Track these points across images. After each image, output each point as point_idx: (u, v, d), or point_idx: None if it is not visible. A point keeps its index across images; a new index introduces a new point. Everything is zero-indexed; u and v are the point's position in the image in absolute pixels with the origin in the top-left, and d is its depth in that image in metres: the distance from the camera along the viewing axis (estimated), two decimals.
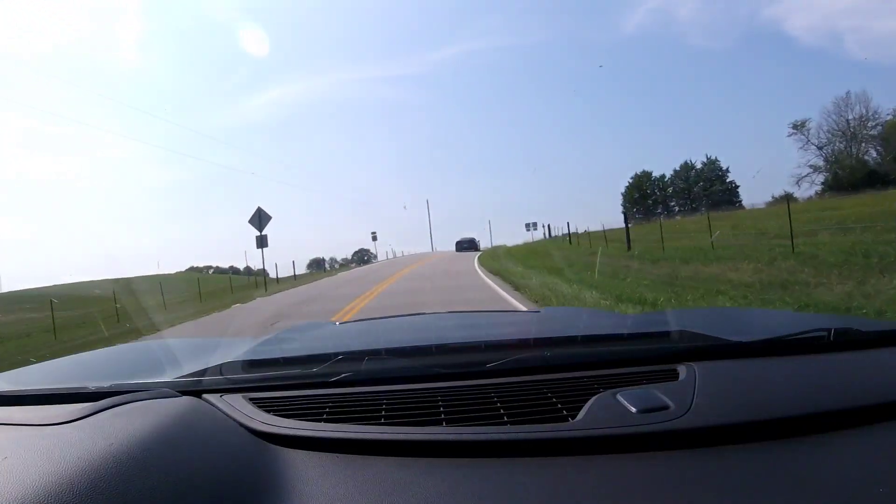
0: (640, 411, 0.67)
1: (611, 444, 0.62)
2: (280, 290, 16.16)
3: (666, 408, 0.68)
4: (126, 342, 5.68)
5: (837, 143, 44.36)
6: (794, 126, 46.42)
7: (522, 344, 1.00)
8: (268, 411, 0.76)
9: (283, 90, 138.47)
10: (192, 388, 0.85)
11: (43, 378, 1.15)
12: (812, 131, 44.56)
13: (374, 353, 0.95)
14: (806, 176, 45.34)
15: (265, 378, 0.90)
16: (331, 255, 69.99)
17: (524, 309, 6.26)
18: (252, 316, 9.88)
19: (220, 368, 0.91)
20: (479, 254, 26.26)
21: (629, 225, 18.43)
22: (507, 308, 7.00)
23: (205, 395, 0.82)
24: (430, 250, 51.02)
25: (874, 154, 42.59)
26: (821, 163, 44.80)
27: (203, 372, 0.90)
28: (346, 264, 53.55)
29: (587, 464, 0.59)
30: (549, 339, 1.10)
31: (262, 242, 18.18)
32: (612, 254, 16.25)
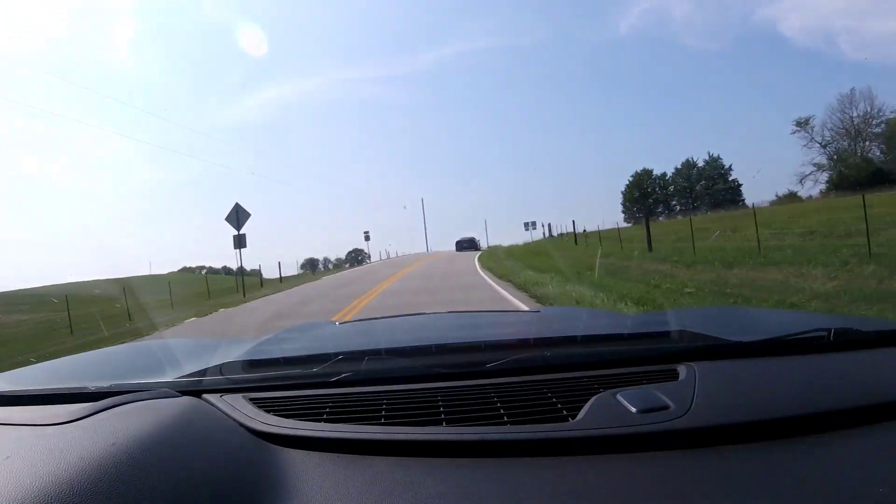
0: (640, 411, 0.67)
1: (611, 444, 0.62)
2: (258, 297, 14.42)
3: (666, 408, 0.67)
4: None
5: (841, 141, 43.61)
6: (798, 123, 45.68)
7: (522, 344, 1.00)
8: (268, 411, 0.75)
9: (277, 90, 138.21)
10: (192, 388, 0.85)
11: (43, 378, 1.15)
12: (816, 129, 43.76)
13: (374, 353, 0.95)
14: (809, 174, 44.37)
15: (265, 378, 0.90)
16: (325, 255, 69.67)
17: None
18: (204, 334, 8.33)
19: (220, 368, 0.91)
20: (479, 255, 24.77)
21: (649, 225, 17.01)
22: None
23: (205, 395, 0.82)
24: (426, 251, 49.45)
25: (878, 153, 41.61)
26: (824, 161, 43.93)
27: (203, 372, 0.90)
28: (339, 265, 52.07)
29: (587, 464, 0.59)
30: (549, 339, 1.10)
31: (239, 242, 16.40)
32: (631, 255, 14.70)
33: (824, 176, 43.36)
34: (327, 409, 0.75)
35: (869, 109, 41.28)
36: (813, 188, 43.24)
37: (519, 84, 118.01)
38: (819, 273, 7.51)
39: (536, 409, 0.71)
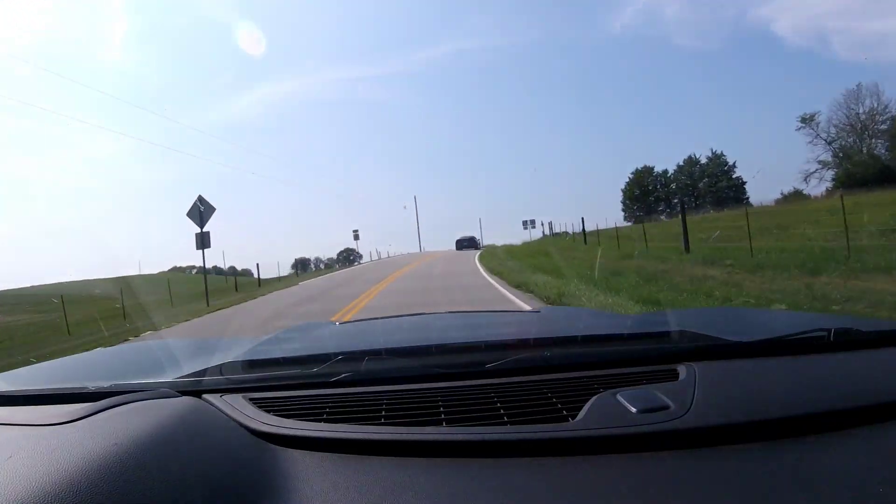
0: (640, 411, 0.67)
1: (611, 444, 0.62)
2: (226, 306, 12.09)
3: (666, 408, 0.67)
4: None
5: (847, 138, 42.31)
6: (803, 120, 43.66)
7: (522, 344, 1.00)
8: (268, 411, 0.75)
9: (270, 89, 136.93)
10: (192, 388, 0.85)
11: (43, 378, 1.14)
12: (822, 125, 42.31)
13: (374, 353, 0.95)
14: (814, 172, 42.49)
15: (265, 378, 0.89)
16: (318, 254, 68.21)
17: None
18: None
19: (220, 368, 0.90)
20: (480, 255, 22.27)
21: (685, 221, 14.16)
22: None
23: (205, 395, 0.81)
24: (419, 250, 47.13)
25: (883, 150, 40.37)
26: (829, 158, 42.57)
27: (203, 372, 0.89)
28: (330, 265, 49.91)
29: (587, 464, 0.59)
30: (549, 339, 1.11)
31: (202, 242, 13.86)
32: (663, 256, 12.54)
33: (829, 174, 42.08)
34: (327, 409, 0.75)
35: (875, 105, 39.58)
36: (818, 186, 41.99)
37: (514, 82, 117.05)
38: None
39: (536, 409, 0.71)
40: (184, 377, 0.89)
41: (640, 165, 58.47)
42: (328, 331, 1.68)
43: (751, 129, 76.52)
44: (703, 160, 54.00)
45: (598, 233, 26.08)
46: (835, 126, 41.23)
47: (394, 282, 13.24)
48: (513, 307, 7.29)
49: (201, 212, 13.77)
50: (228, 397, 0.80)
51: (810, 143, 42.52)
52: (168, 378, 0.90)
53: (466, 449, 0.63)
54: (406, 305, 8.12)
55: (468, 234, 38.18)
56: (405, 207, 75.87)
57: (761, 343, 0.92)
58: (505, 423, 0.68)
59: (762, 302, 5.88)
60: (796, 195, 43.39)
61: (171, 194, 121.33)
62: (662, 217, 53.07)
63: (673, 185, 56.26)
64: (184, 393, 0.82)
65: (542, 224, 40.86)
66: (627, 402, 0.69)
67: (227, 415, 0.74)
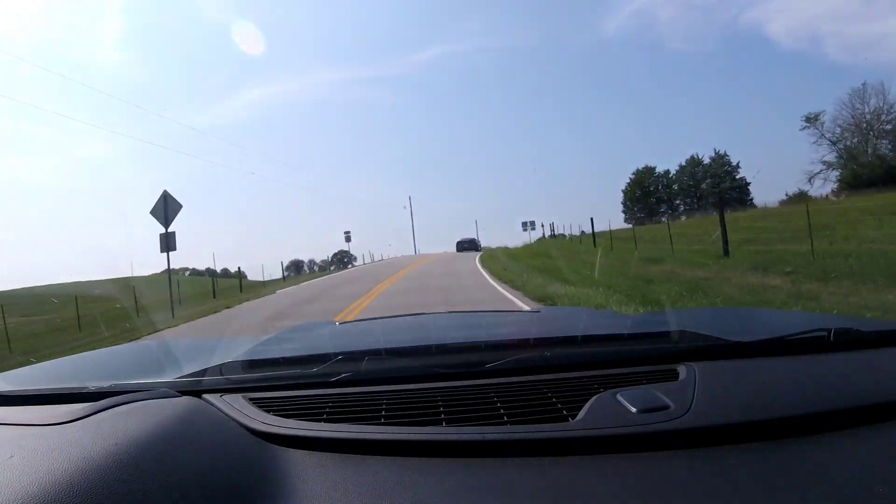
0: (640, 411, 0.67)
1: (611, 444, 0.62)
2: (192, 318, 10.38)
3: (666, 408, 0.67)
4: None
5: (851, 138, 41.25)
6: (808, 119, 42.84)
7: (522, 344, 0.99)
8: (268, 411, 0.75)
9: (264, 91, 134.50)
10: (192, 388, 0.84)
11: (43, 378, 1.14)
12: (826, 125, 41.21)
13: (374, 353, 0.95)
14: (819, 172, 41.71)
15: (265, 378, 0.89)
16: (314, 255, 67.57)
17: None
18: None
19: (220, 368, 0.90)
20: (482, 260, 19.85)
21: (724, 220, 11.67)
22: None
23: (205, 395, 0.81)
24: (414, 253, 45.42)
25: (888, 150, 39.37)
26: (833, 159, 41.57)
27: (203, 372, 0.89)
28: (324, 267, 48.55)
29: (587, 464, 0.59)
30: (549, 339, 1.09)
31: (167, 244, 12.16)
32: (695, 261, 10.90)
33: (833, 174, 41.10)
34: (327, 409, 0.75)
35: (881, 104, 38.71)
36: (822, 187, 41.06)
37: (511, 84, 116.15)
38: None
39: (536, 409, 0.71)
40: (184, 377, 0.89)
41: (640, 166, 57.28)
42: (328, 331, 1.66)
43: (752, 129, 75.98)
44: (706, 160, 52.82)
45: (606, 234, 24.54)
46: (839, 126, 40.41)
47: (382, 295, 11.53)
48: None
49: (166, 209, 12.05)
50: (228, 397, 0.80)
51: (814, 143, 41.62)
52: (168, 378, 0.90)
53: (466, 449, 0.63)
54: (407, 292, 6.71)
55: (468, 236, 38.60)
56: (405, 208, 74.46)
57: (761, 343, 0.92)
58: (505, 423, 0.68)
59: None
60: (801, 196, 42.37)
61: (157, 195, 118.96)
62: (664, 219, 51.82)
63: (675, 186, 54.97)
64: (184, 393, 0.82)
65: (543, 225, 39.61)
66: (627, 402, 0.69)
67: (227, 415, 0.73)
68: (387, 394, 0.79)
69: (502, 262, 16.62)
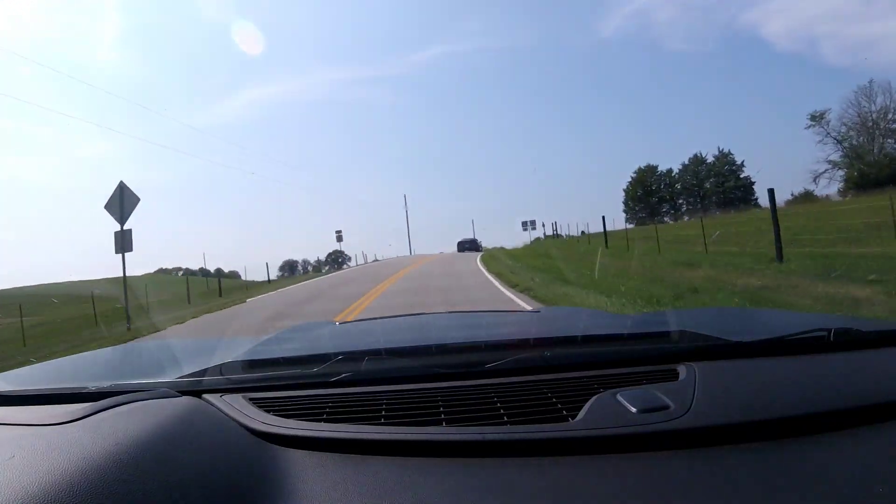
0: (640, 411, 0.67)
1: (611, 444, 0.62)
2: (145, 333, 8.71)
3: (666, 408, 0.67)
4: None
5: (858, 137, 39.75)
6: (813, 117, 41.31)
7: (522, 344, 0.99)
8: (268, 411, 0.75)
9: (262, 90, 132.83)
10: (192, 388, 0.84)
11: (43, 378, 1.14)
12: (832, 123, 39.54)
13: (374, 353, 0.95)
14: (824, 172, 40.07)
15: (265, 378, 0.89)
16: (310, 255, 66.59)
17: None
18: None
19: (220, 368, 0.90)
20: (486, 263, 17.08)
21: (777, 221, 9.06)
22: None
23: (205, 395, 0.81)
24: (409, 253, 43.67)
25: (894, 149, 38.47)
26: (839, 158, 40.33)
27: (203, 372, 0.89)
28: (318, 268, 47.14)
29: (587, 464, 0.59)
30: (549, 339, 1.09)
31: (123, 243, 10.41)
32: (741, 265, 9.32)
33: (839, 174, 39.84)
34: (327, 409, 0.74)
35: (887, 103, 37.19)
36: (828, 187, 39.96)
37: (511, 84, 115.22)
38: None
39: (536, 409, 0.71)
40: (184, 377, 0.89)
41: (642, 165, 55.86)
42: (328, 331, 1.66)
43: (752, 129, 75.15)
44: (710, 159, 51.49)
45: (611, 235, 22.89)
46: (845, 125, 39.32)
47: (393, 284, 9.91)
48: None
49: (122, 203, 10.35)
50: (228, 397, 0.80)
51: (820, 142, 40.37)
52: (168, 378, 0.90)
53: (466, 449, 0.63)
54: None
55: (469, 237, 38.55)
56: (407, 208, 73.13)
57: (761, 343, 0.92)
58: (505, 423, 0.68)
59: None
60: (807, 196, 41.21)
61: (155, 195, 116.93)
62: (666, 219, 50.47)
63: (678, 185, 53.66)
64: (184, 393, 0.81)
65: (544, 225, 38.29)
66: (627, 402, 0.69)
67: (227, 415, 0.73)
68: (387, 394, 0.79)
69: (507, 265, 14.93)
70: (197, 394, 0.82)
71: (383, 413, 0.72)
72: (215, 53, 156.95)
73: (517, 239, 40.30)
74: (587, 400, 0.71)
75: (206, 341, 1.71)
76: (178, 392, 0.81)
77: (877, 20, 56.13)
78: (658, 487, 0.54)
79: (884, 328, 1.02)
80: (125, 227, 10.30)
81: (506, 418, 0.69)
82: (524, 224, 36.24)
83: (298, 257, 67.34)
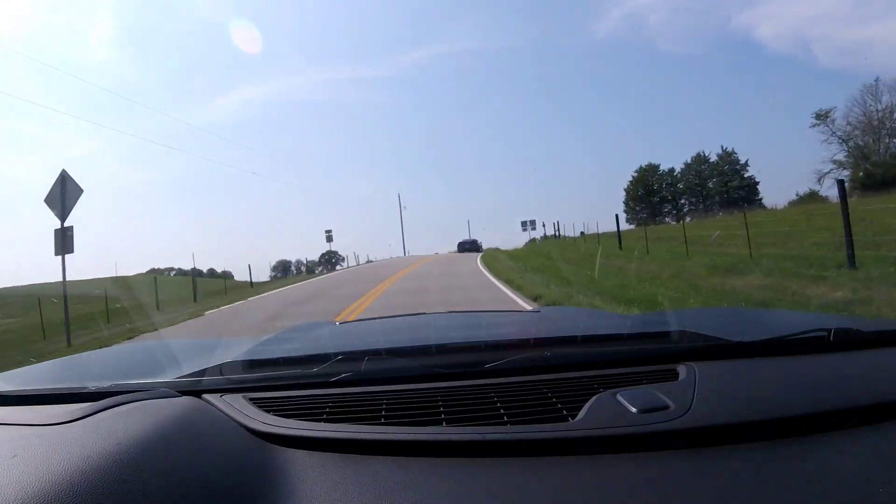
0: (640, 411, 0.67)
1: (611, 444, 0.62)
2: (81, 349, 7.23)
3: (666, 408, 0.67)
4: None
5: (861, 137, 38.70)
6: (818, 116, 40.24)
7: (522, 344, 0.99)
8: (268, 411, 0.75)
9: (253, 90, 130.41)
10: (192, 388, 0.84)
11: (43, 378, 1.14)
12: (838, 122, 38.43)
13: (374, 353, 0.94)
14: (829, 172, 38.67)
15: (265, 378, 0.89)
16: (306, 255, 67.20)
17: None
18: None
19: (220, 368, 0.90)
20: (491, 267, 15.44)
21: (849, 225, 7.78)
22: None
23: (205, 395, 0.81)
24: (403, 254, 42.04)
25: None
26: (843, 157, 39.28)
27: (203, 372, 0.89)
28: (311, 269, 45.97)
29: (587, 464, 0.59)
30: (549, 339, 1.09)
31: (63, 243, 8.81)
32: (803, 273, 7.81)
33: (843, 174, 38.27)
34: (327, 409, 0.74)
35: (894, 102, 36.00)
36: (832, 187, 38.61)
37: (509, 84, 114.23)
38: None
39: (536, 409, 0.71)
40: (184, 377, 0.89)
41: (643, 164, 54.47)
42: (328, 331, 1.66)
43: (752, 129, 73.96)
44: (713, 158, 50.21)
45: (611, 235, 21.18)
46: (850, 124, 38.34)
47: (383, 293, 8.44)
48: None
49: (63, 195, 8.75)
50: (228, 397, 0.80)
51: (825, 141, 39.35)
52: (168, 378, 0.89)
53: (466, 449, 0.63)
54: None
55: (469, 238, 38.42)
56: (405, 208, 71.81)
57: (761, 343, 0.91)
58: (505, 423, 0.68)
59: None
60: (812, 197, 40.10)
61: (146, 194, 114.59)
62: (668, 219, 49.21)
63: (680, 185, 52.37)
64: (184, 393, 0.81)
65: (544, 225, 37.11)
66: (627, 402, 0.69)
67: (227, 415, 0.73)
68: (387, 394, 0.79)
69: (516, 270, 13.15)
70: (197, 394, 0.82)
71: (383, 413, 0.72)
72: (208, 52, 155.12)
73: (517, 239, 39.55)
74: (587, 400, 0.71)
75: (206, 341, 1.69)
76: (178, 392, 0.81)
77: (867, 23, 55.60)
78: (658, 487, 0.53)
79: (884, 328, 1.02)
80: (66, 224, 8.74)
81: (506, 418, 0.69)
82: (524, 224, 35.29)
83: (293, 257, 66.47)
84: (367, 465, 0.60)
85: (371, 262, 34.45)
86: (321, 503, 0.53)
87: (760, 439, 0.62)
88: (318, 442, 0.65)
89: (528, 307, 7.89)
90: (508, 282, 10.64)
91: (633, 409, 0.67)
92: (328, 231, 32.56)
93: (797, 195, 42.09)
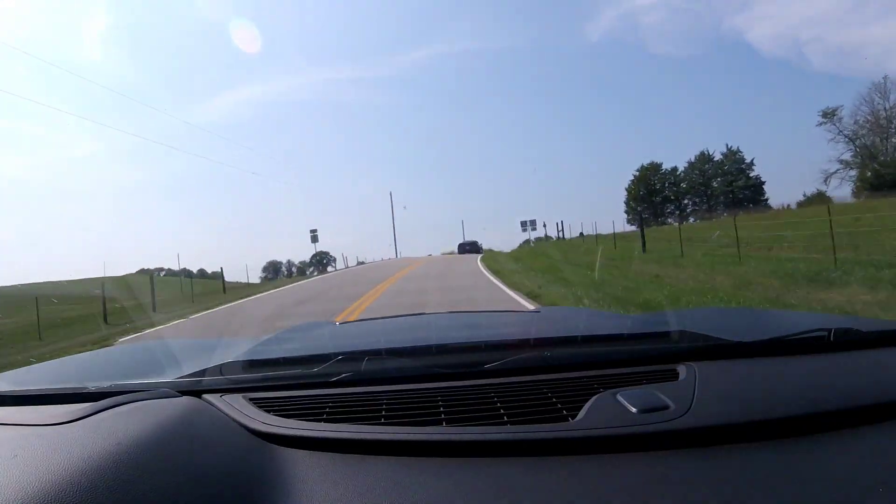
0: (640, 411, 0.67)
1: (611, 444, 0.62)
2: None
3: (666, 408, 0.67)
4: None
5: (868, 136, 37.50)
6: (825, 114, 39.10)
7: (522, 344, 0.99)
8: (268, 411, 0.75)
9: (249, 90, 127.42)
10: (192, 389, 0.84)
11: (43, 378, 1.14)
12: (844, 121, 37.56)
13: (374, 353, 0.94)
14: (835, 172, 38.10)
15: (265, 378, 0.89)
16: (293, 256, 63.79)
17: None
18: None
19: (220, 368, 0.90)
20: (499, 273, 13.25)
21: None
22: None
23: (205, 396, 0.81)
24: (395, 256, 39.98)
25: None
26: (850, 157, 37.88)
27: (203, 372, 0.89)
28: (303, 269, 44.43)
29: (587, 464, 0.59)
30: (549, 339, 1.09)
31: None
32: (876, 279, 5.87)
33: (851, 174, 37.74)
34: (327, 409, 0.74)
35: None
36: (839, 187, 37.95)
37: (508, 84, 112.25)
38: None
39: (536, 409, 0.71)
40: (184, 377, 0.88)
41: (644, 163, 52.62)
42: (328, 331, 1.65)
43: (753, 128, 72.53)
44: (718, 156, 48.38)
45: (610, 237, 19.23)
46: (857, 122, 37.25)
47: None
48: None
49: None
50: (228, 397, 0.80)
51: (831, 140, 38.27)
52: (168, 378, 0.89)
53: (466, 449, 0.63)
54: None
55: (469, 239, 38.59)
56: (405, 208, 70.13)
57: (761, 343, 0.91)
58: (505, 423, 0.68)
59: None
60: (820, 197, 38.67)
61: (136, 194, 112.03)
62: (670, 220, 47.55)
63: (683, 184, 50.54)
64: (184, 393, 0.81)
65: (545, 225, 35.60)
66: (627, 402, 0.69)
67: (227, 415, 0.73)
68: (387, 394, 0.79)
69: (534, 277, 11.19)
70: (197, 394, 0.82)
71: (383, 413, 0.72)
72: (202, 51, 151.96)
73: (517, 239, 38.89)
74: (587, 400, 0.71)
75: (206, 341, 1.68)
76: (178, 392, 0.81)
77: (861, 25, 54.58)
78: (658, 487, 0.54)
79: (884, 328, 1.02)
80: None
81: (506, 418, 0.69)
82: (523, 224, 33.89)
83: (287, 257, 64.64)
84: (367, 465, 0.60)
85: (363, 263, 33.00)
86: (321, 503, 0.53)
87: (760, 439, 0.62)
88: (318, 442, 0.65)
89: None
90: (531, 296, 8.53)
91: (633, 409, 0.67)
92: (313, 231, 31.12)
93: (805, 196, 40.97)
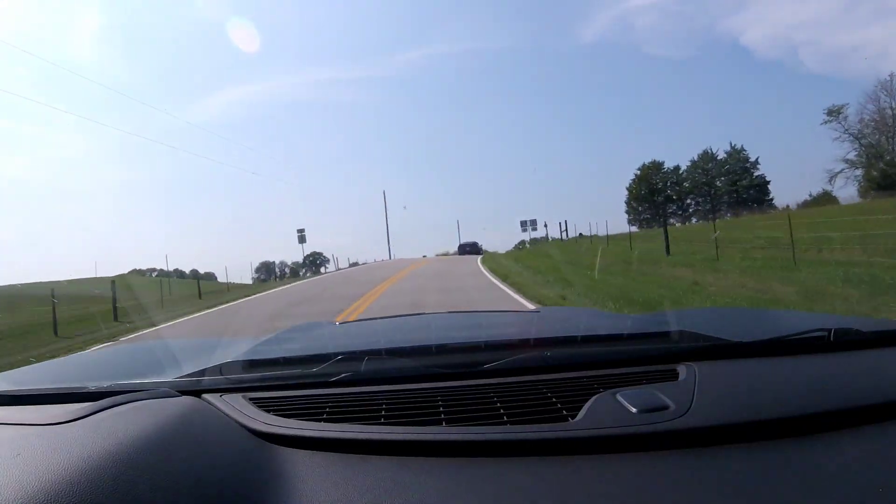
0: (640, 411, 0.67)
1: (611, 444, 0.62)
2: None
3: (666, 408, 0.67)
4: None
5: (877, 134, 37.05)
6: (830, 113, 38.54)
7: (522, 344, 0.99)
8: (268, 411, 0.75)
9: (245, 90, 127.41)
10: (192, 388, 0.84)
11: (43, 378, 1.14)
12: (850, 119, 37.03)
13: (374, 353, 0.94)
14: (840, 172, 37.56)
15: (265, 378, 0.89)
16: (286, 257, 63.54)
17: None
18: None
19: (220, 368, 0.90)
20: (505, 277, 12.07)
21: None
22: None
23: (205, 395, 0.81)
24: (389, 258, 39.69)
25: None
26: (855, 156, 37.34)
27: (203, 372, 0.89)
28: (296, 271, 44.36)
29: (587, 464, 0.59)
30: (549, 339, 1.09)
31: None
32: None
33: (855, 173, 37.25)
34: (327, 409, 0.74)
35: None
36: (844, 187, 37.49)
37: (507, 84, 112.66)
38: None
39: (536, 409, 0.71)
40: (184, 377, 0.89)
41: (646, 162, 52.41)
42: (328, 331, 1.65)
43: (752, 128, 72.02)
44: (721, 155, 48.00)
45: (615, 238, 18.80)
46: (861, 120, 36.73)
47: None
48: None
49: None
50: (228, 397, 0.80)
51: (836, 139, 37.23)
52: (168, 378, 0.89)
53: (466, 449, 0.63)
54: None
55: (470, 240, 38.93)
56: (405, 208, 70.11)
57: (761, 343, 0.91)
58: (505, 423, 0.68)
59: None
60: (826, 197, 38.44)
61: (128, 195, 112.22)
62: (672, 220, 47.37)
63: (686, 184, 50.23)
64: (184, 393, 0.81)
65: (546, 226, 35.56)
66: (627, 402, 0.69)
67: (227, 415, 0.73)
68: (387, 394, 0.79)
69: (552, 284, 9.81)
70: (197, 394, 0.82)
71: (383, 413, 0.72)
72: (199, 50, 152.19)
73: (516, 240, 38.84)
74: (587, 400, 0.71)
75: (206, 341, 1.65)
76: (178, 392, 0.81)
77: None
78: (658, 487, 0.54)
79: (884, 328, 1.02)
80: None
81: (506, 418, 0.69)
82: (523, 224, 33.65)
83: (280, 258, 64.88)
84: (367, 465, 0.60)
85: (356, 264, 32.28)
86: (321, 503, 0.53)
87: (760, 439, 0.62)
88: (318, 442, 0.65)
89: None
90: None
91: (633, 409, 0.67)
92: (300, 231, 29.30)
93: (810, 195, 40.59)
